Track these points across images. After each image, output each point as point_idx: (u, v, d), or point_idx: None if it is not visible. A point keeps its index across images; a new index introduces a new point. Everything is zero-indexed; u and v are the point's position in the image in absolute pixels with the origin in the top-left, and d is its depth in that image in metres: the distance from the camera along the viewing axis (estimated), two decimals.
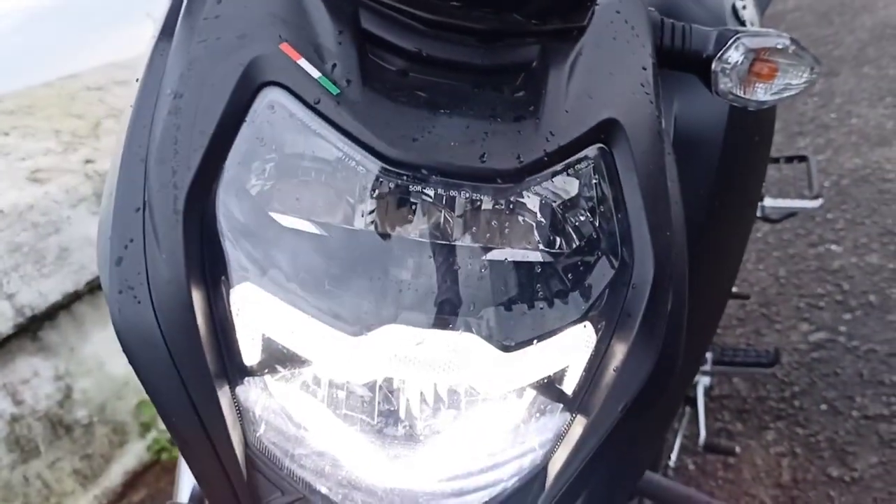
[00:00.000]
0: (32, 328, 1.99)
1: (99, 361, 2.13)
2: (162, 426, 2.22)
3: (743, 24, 0.89)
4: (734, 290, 1.91)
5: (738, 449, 1.61)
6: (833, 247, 2.54)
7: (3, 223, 1.95)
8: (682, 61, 0.67)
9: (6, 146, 2.26)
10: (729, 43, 0.66)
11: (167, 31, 0.56)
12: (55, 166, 2.19)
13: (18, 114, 2.45)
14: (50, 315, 2.02)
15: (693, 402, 1.61)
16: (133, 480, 2.17)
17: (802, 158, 1.93)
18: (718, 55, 0.66)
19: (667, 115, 0.84)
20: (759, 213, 1.69)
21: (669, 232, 0.57)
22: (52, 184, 2.13)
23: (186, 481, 0.70)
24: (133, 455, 2.19)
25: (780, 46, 0.66)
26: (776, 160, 1.98)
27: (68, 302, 2.07)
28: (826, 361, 2.08)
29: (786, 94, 0.69)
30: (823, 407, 1.94)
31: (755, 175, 0.94)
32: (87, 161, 2.24)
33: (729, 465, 1.81)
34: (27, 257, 1.99)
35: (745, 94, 0.68)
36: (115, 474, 2.13)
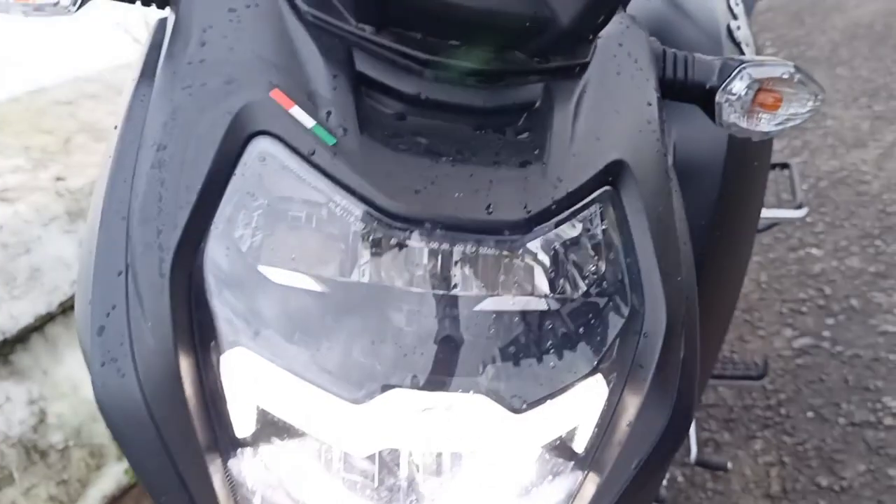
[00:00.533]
0: (4, 352, 1.94)
1: (73, 384, 2.07)
2: None
3: (738, 45, 0.88)
4: None
5: (730, 465, 1.60)
6: (814, 250, 2.54)
7: None
8: (684, 92, 0.65)
9: None
10: (733, 73, 0.64)
11: (147, 74, 0.53)
12: (25, 184, 2.13)
13: None
14: (22, 338, 1.97)
15: None
16: None
17: (784, 166, 1.92)
18: (723, 86, 0.64)
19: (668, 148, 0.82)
20: None
21: (680, 277, 0.55)
22: (22, 202, 2.07)
23: None
24: (111, 478, 2.14)
25: (785, 76, 0.64)
26: None
27: (41, 324, 2.01)
28: (811, 367, 2.08)
29: (789, 123, 0.67)
30: (810, 414, 1.94)
31: (755, 199, 0.93)
32: (59, 178, 2.18)
33: (718, 476, 1.79)
34: None
35: (748, 124, 0.66)
36: (92, 499, 2.08)
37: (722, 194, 0.80)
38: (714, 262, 0.82)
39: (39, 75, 2.58)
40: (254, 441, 0.49)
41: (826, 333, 2.18)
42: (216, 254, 0.47)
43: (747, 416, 1.97)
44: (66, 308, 2.05)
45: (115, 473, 2.15)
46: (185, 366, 0.46)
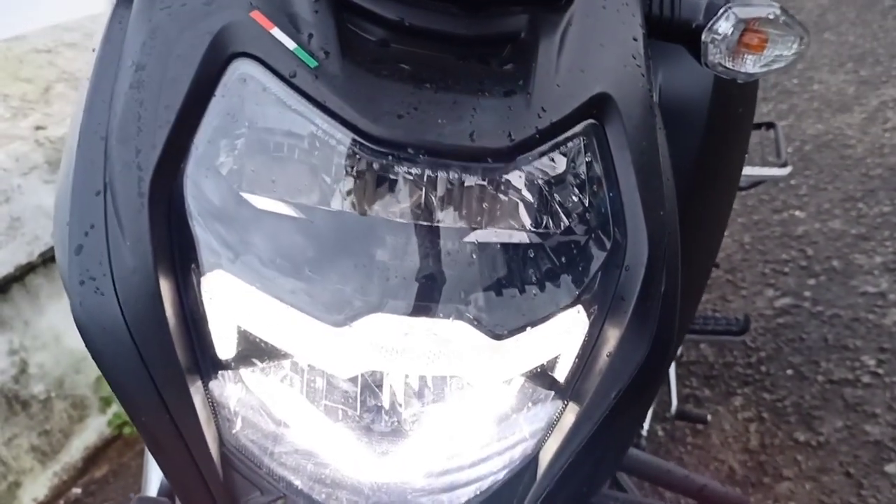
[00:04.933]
0: None
1: (55, 335, 2.07)
2: None
3: None
4: None
5: (709, 417, 1.62)
6: (797, 213, 2.56)
7: None
8: (670, 31, 0.64)
9: None
10: (719, 13, 0.63)
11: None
12: (4, 133, 2.10)
13: None
14: (2, 288, 1.95)
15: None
16: (94, 456, 2.12)
17: (770, 126, 1.92)
18: (708, 25, 0.63)
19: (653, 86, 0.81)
20: None
21: (662, 211, 0.55)
22: (1, 151, 2.04)
23: (155, 475, 0.67)
24: (93, 430, 2.14)
25: (770, 16, 0.63)
26: None
27: (21, 274, 1.99)
28: (791, 327, 2.10)
29: (775, 65, 0.67)
30: (790, 372, 1.96)
31: (738, 146, 0.92)
32: (38, 127, 2.15)
33: (698, 431, 1.82)
34: None
35: (734, 65, 0.66)
36: (75, 450, 2.09)
37: (706, 138, 0.80)
38: (697, 206, 0.82)
39: (18, 23, 2.52)
40: (235, 363, 0.49)
41: (807, 294, 2.20)
42: (196, 176, 0.47)
43: (728, 373, 2.00)
44: (48, 259, 2.04)
45: (98, 425, 2.15)
46: (165, 286, 0.46)
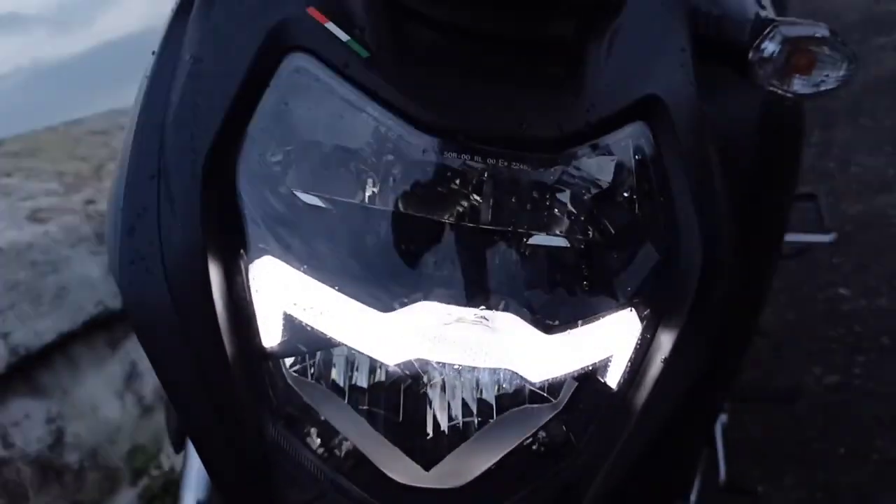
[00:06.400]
0: (26, 368, 1.93)
1: (93, 405, 2.07)
2: (156, 472, 2.14)
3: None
4: None
5: (760, 489, 1.54)
6: (842, 290, 2.50)
7: (1, 261, 1.91)
8: (717, 50, 0.65)
9: (8, 186, 2.23)
10: (766, 32, 0.63)
11: (185, 4, 0.54)
12: (56, 206, 2.17)
13: (22, 156, 2.44)
14: (44, 355, 1.97)
15: (711, 441, 1.54)
16: None
17: (811, 197, 1.90)
18: (755, 45, 0.63)
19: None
20: None
21: (717, 217, 0.54)
22: (53, 223, 2.10)
23: (190, 498, 0.65)
24: (124, 502, 2.11)
25: (818, 35, 0.64)
26: None
27: (63, 342, 2.01)
28: (842, 405, 2.02)
29: (823, 87, 0.67)
30: (842, 451, 1.88)
31: (791, 174, 0.90)
32: (89, 202, 2.21)
33: None
34: (24, 296, 1.94)
35: (782, 86, 0.65)
36: None
37: (753, 169, 0.79)
38: (748, 235, 0.80)
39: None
40: (280, 351, 0.48)
41: (857, 371, 2.13)
42: (249, 163, 0.47)
43: (776, 452, 1.92)
44: (90, 327, 2.06)
45: (129, 498, 2.12)
46: (214, 270, 0.46)
